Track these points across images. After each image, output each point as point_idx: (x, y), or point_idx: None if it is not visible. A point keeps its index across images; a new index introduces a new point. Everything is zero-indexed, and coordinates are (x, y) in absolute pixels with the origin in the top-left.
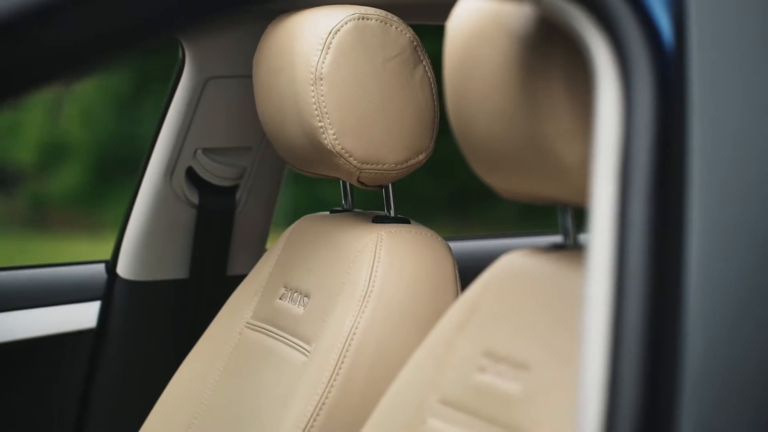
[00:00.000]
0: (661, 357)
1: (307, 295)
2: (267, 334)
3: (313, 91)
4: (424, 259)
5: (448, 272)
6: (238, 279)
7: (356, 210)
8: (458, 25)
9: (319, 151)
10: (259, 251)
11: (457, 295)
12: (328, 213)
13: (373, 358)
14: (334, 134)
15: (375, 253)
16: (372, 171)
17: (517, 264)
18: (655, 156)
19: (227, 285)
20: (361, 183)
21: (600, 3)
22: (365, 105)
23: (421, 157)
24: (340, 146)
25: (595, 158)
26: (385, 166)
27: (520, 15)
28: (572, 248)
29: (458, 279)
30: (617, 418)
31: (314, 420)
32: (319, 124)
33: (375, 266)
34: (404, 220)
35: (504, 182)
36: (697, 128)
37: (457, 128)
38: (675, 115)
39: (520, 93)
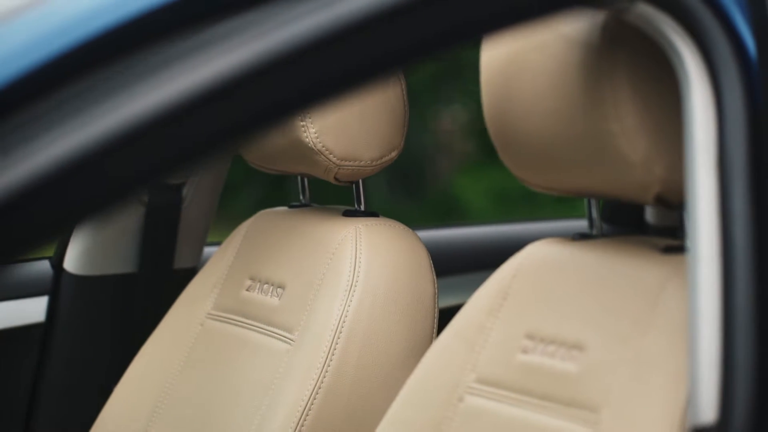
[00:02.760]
0: None
1: (281, 286)
2: (235, 324)
3: None
4: (401, 250)
5: (423, 261)
6: (184, 272)
7: (314, 205)
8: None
9: (299, 148)
10: (201, 245)
11: (433, 282)
12: (286, 208)
13: (362, 344)
14: (315, 133)
15: (356, 245)
16: (349, 168)
17: (548, 252)
18: (751, 151)
19: (174, 278)
20: (336, 179)
21: (691, 15)
22: (344, 105)
23: (393, 153)
24: (321, 144)
25: (690, 156)
26: (361, 163)
27: (576, 22)
28: (598, 237)
29: (432, 267)
30: (734, 400)
31: (311, 404)
32: (301, 123)
33: (357, 257)
34: (374, 214)
35: (556, 181)
36: None
37: (499, 132)
38: (765, 112)
39: (581, 95)
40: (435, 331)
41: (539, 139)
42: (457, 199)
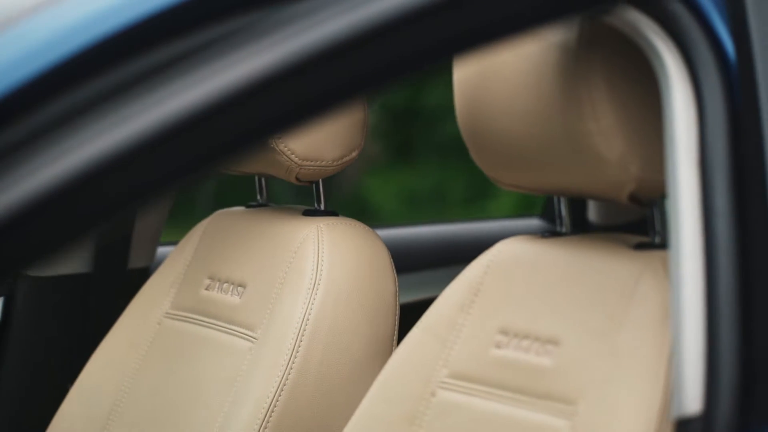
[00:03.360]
0: (755, 328)
1: (241, 285)
2: (195, 323)
3: None
4: (363, 248)
5: (384, 259)
6: (138, 272)
7: (272, 204)
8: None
9: (262, 149)
10: (155, 245)
11: (394, 279)
12: (243, 208)
13: (326, 341)
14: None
15: (318, 244)
16: (311, 167)
17: (519, 249)
18: (731, 149)
19: (129, 278)
20: (297, 179)
21: (672, 18)
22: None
23: (354, 153)
24: (283, 145)
25: (672, 154)
26: (323, 163)
27: None
28: (567, 234)
29: (393, 265)
30: (718, 391)
31: (277, 400)
32: None
33: (320, 256)
34: (333, 213)
35: (529, 180)
36: (766, 121)
37: (472, 132)
38: (744, 112)
39: (557, 95)
40: (396, 328)
41: (513, 140)
42: (367, 201)
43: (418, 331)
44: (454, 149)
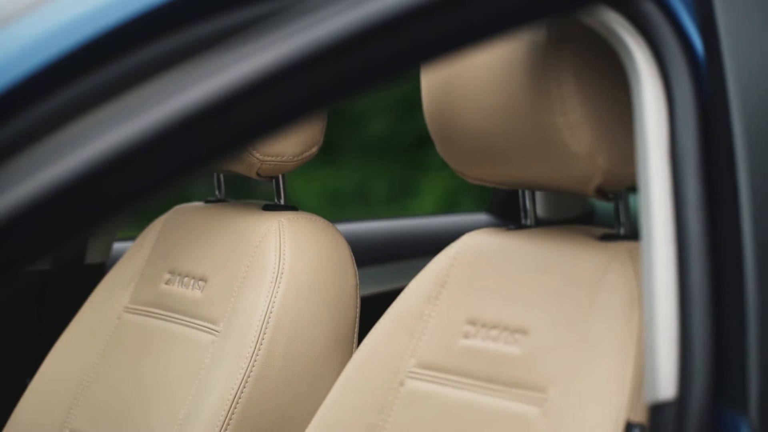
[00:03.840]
0: (725, 317)
1: (202, 279)
2: (155, 317)
3: None
4: (323, 242)
5: (345, 253)
6: (94, 267)
7: (231, 200)
8: None
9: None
10: (112, 240)
11: (355, 273)
12: (202, 203)
13: (289, 333)
14: None
15: (279, 238)
16: (272, 163)
17: (485, 241)
18: (701, 142)
19: (86, 274)
20: (258, 174)
21: (643, 15)
22: None
23: (314, 149)
24: None
25: (643, 147)
26: (284, 158)
27: None
28: (532, 227)
29: (353, 258)
30: (692, 376)
31: (241, 392)
32: None
33: (282, 250)
34: (293, 208)
35: (496, 174)
36: (735, 114)
37: (439, 127)
38: (713, 107)
39: (526, 90)
40: (357, 320)
41: (482, 134)
42: (290, 200)
43: (385, 323)
44: (378, 149)
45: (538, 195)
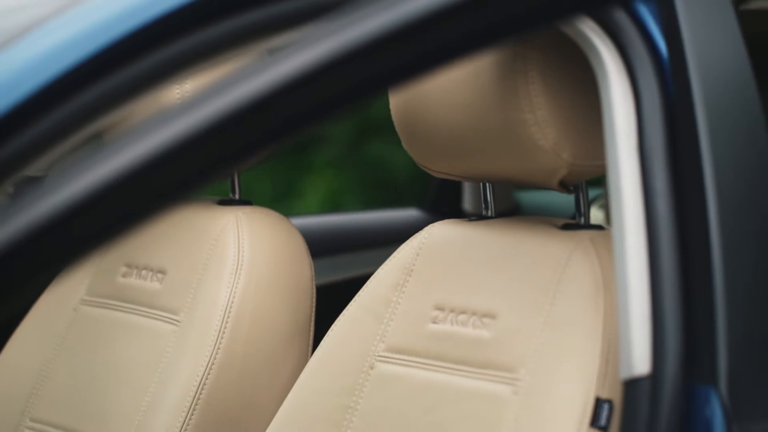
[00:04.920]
0: (694, 299)
1: (161, 272)
2: (113, 309)
3: (179, 92)
4: (280, 236)
5: (300, 245)
6: None
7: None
8: None
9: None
10: None
11: (310, 264)
12: None
13: (250, 322)
14: None
15: (237, 231)
16: None
17: (449, 231)
18: (667, 136)
19: None
20: None
21: (610, 18)
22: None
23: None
24: None
25: (612, 142)
26: None
27: None
28: (493, 218)
29: (308, 250)
30: (664, 353)
31: (206, 379)
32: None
33: (240, 243)
34: (248, 202)
35: (461, 168)
36: (699, 110)
37: (405, 123)
38: (677, 103)
39: (495, 89)
40: (314, 308)
41: (450, 130)
42: None
43: (353, 310)
44: None
45: (467, 190)
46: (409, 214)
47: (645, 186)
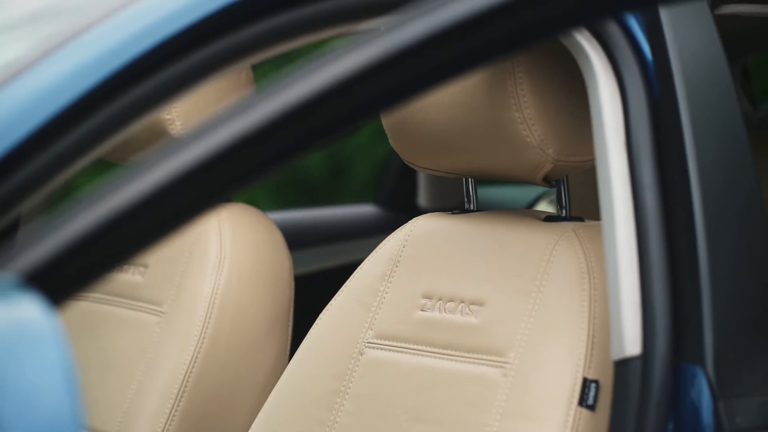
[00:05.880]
0: (681, 278)
1: (143, 265)
2: (94, 302)
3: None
4: (260, 230)
5: (279, 239)
6: None
7: None
8: None
9: (161, 138)
10: None
11: (289, 257)
12: None
13: (233, 313)
14: (180, 124)
15: (219, 227)
16: None
17: (434, 224)
18: (653, 132)
19: None
20: None
21: (599, 25)
22: (205, 103)
23: None
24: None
25: (601, 138)
26: None
27: None
28: (475, 212)
29: (286, 244)
30: (654, 334)
31: (192, 367)
32: (168, 116)
33: (222, 238)
34: (227, 199)
35: (446, 164)
36: (682, 107)
37: (395, 121)
38: (661, 102)
39: (484, 88)
40: (293, 299)
41: (439, 127)
42: None
43: (340, 300)
44: None
45: (423, 186)
46: (365, 209)
47: (633, 179)
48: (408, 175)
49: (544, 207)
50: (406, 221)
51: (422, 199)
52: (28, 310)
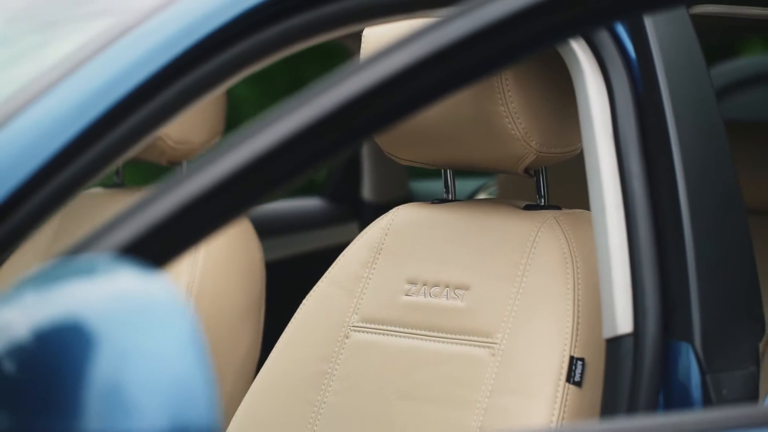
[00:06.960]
0: (668, 266)
1: None
2: None
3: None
4: None
5: (250, 230)
6: None
7: (128, 185)
8: (375, 31)
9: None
10: None
11: (260, 248)
12: (101, 189)
13: (210, 301)
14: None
15: None
16: (182, 150)
17: (415, 213)
18: (639, 125)
19: None
20: (169, 162)
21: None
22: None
23: (217, 138)
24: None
25: (589, 131)
26: (192, 146)
27: None
28: (454, 201)
29: (257, 235)
30: (645, 313)
31: None
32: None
33: None
34: None
35: (427, 156)
36: (665, 101)
37: None
38: (645, 97)
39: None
40: (264, 287)
41: (425, 120)
42: None
43: (324, 286)
44: None
45: (367, 180)
46: (311, 203)
47: (621, 168)
48: (352, 169)
49: (482, 197)
50: (351, 213)
51: (366, 192)
52: (143, 283)
